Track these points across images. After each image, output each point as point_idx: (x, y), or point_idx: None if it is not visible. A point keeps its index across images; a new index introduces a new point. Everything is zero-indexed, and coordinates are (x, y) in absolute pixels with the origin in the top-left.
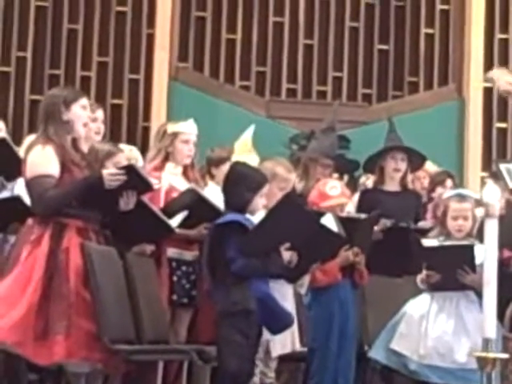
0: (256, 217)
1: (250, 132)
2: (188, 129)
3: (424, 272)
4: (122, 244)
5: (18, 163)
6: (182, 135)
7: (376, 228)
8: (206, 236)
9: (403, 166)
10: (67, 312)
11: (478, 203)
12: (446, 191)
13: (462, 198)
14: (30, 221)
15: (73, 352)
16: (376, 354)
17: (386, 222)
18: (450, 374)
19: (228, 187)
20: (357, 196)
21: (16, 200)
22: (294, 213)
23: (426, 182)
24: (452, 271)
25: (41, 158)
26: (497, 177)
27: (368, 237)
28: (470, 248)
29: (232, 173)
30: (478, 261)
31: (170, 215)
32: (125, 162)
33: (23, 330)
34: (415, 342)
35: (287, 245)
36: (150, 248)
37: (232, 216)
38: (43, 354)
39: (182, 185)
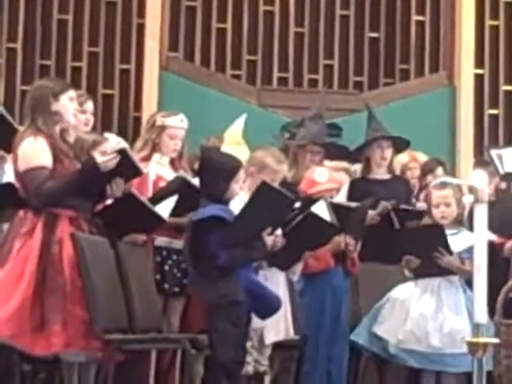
0: (235, 202)
1: (240, 122)
2: (176, 123)
3: (404, 258)
4: (114, 234)
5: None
6: (169, 129)
7: (375, 212)
8: (185, 229)
9: (389, 153)
10: (63, 303)
11: (470, 190)
12: (435, 179)
13: (442, 185)
14: (21, 212)
15: (71, 342)
16: (358, 337)
17: (387, 205)
18: (426, 358)
19: (203, 177)
20: (346, 186)
21: (8, 186)
22: (273, 198)
23: (416, 173)
24: (429, 255)
25: (34, 150)
26: (484, 164)
27: (361, 225)
28: (440, 228)
29: (206, 162)
30: (457, 248)
31: (159, 202)
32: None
33: (19, 323)
34: (395, 326)
35: (269, 230)
36: (141, 238)
37: (210, 210)
38: (41, 345)
39: (170, 175)
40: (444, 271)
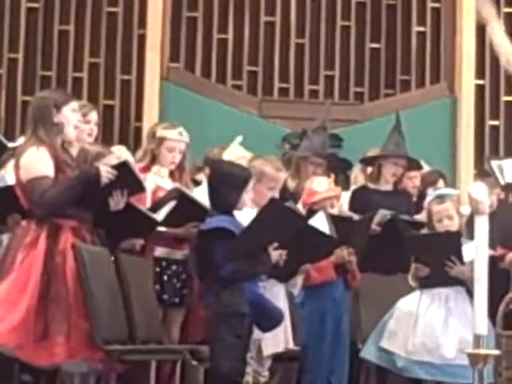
0: (244, 212)
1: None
2: (174, 136)
3: (413, 266)
4: (110, 240)
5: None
6: (168, 142)
7: (374, 220)
8: (192, 240)
9: (400, 171)
10: (66, 313)
11: (470, 201)
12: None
13: (441, 198)
14: (23, 223)
15: (74, 353)
16: (367, 353)
17: (386, 215)
18: (438, 369)
19: (213, 188)
20: (349, 194)
21: (7, 191)
22: (281, 214)
23: (417, 182)
24: (440, 264)
25: (36, 160)
26: (485, 175)
27: (363, 238)
28: (457, 236)
29: (215, 173)
30: (468, 258)
31: (156, 212)
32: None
33: (23, 333)
34: (404, 338)
35: (275, 245)
36: (139, 243)
37: (218, 221)
38: (44, 355)
39: (169, 185)
40: (452, 281)
